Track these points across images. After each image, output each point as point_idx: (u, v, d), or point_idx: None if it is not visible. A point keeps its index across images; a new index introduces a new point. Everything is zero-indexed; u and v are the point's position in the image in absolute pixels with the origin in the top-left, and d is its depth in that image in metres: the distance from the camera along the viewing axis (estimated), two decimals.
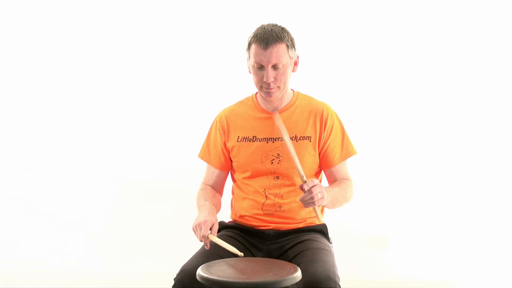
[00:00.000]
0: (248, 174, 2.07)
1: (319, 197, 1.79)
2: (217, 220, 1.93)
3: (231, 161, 2.14)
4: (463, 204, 3.11)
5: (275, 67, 1.96)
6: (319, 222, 2.10)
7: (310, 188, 1.77)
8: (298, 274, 1.61)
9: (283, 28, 2.01)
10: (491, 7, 3.08)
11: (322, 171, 2.15)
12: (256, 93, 2.14)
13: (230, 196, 2.20)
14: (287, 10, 3.11)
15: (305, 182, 1.78)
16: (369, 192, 3.09)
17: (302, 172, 1.81)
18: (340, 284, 1.77)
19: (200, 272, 1.63)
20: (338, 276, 1.78)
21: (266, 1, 3.16)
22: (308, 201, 1.79)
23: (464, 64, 3.11)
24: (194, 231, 1.87)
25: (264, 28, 1.98)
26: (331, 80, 3.13)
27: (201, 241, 1.86)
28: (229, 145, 2.11)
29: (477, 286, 3.08)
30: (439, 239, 3.13)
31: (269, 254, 2.01)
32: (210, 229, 1.86)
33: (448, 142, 3.12)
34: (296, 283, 1.65)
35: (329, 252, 1.92)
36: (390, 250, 3.15)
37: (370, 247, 3.15)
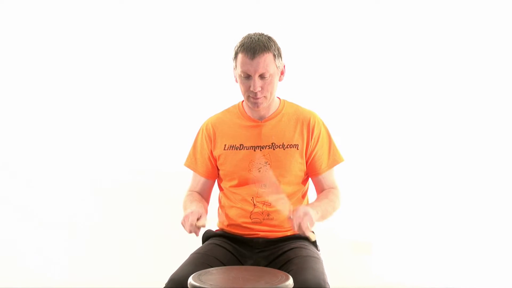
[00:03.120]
0: (235, 182, 2.07)
1: (308, 225, 1.83)
2: (205, 212, 1.95)
3: (218, 169, 2.14)
4: (447, 210, 3.14)
5: (262, 76, 1.97)
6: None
7: (299, 223, 1.82)
8: (290, 282, 1.62)
9: (269, 38, 2.01)
10: (479, 8, 3.13)
11: (310, 178, 2.16)
12: (243, 101, 2.15)
13: (217, 205, 2.20)
14: (273, 19, 3.12)
15: (290, 218, 1.83)
16: (353, 198, 3.10)
17: (286, 212, 1.86)
18: None
19: (192, 281, 1.62)
20: (328, 283, 1.79)
21: (252, 10, 3.17)
22: (300, 231, 1.84)
23: (451, 73, 3.15)
24: (183, 225, 1.89)
25: (250, 38, 1.99)
26: (314, 88, 3.15)
27: (190, 232, 1.87)
28: (215, 153, 2.11)
29: None
30: (423, 245, 3.16)
31: (258, 263, 2.00)
32: (198, 219, 1.88)
33: (430, 148, 3.16)
34: None
35: (318, 260, 1.93)
36: (374, 256, 3.17)
37: (354, 253, 3.17)
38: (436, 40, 3.15)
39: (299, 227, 1.81)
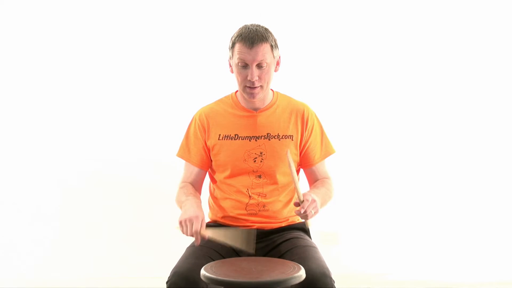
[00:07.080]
0: (228, 173, 2.06)
1: (313, 213, 1.83)
2: (204, 216, 1.87)
3: (211, 160, 2.11)
4: (411, 200, 3.23)
5: (259, 66, 1.97)
6: (299, 221, 2.14)
7: (305, 210, 1.80)
8: (302, 272, 1.63)
9: (266, 29, 2.02)
10: (476, 8, 3.20)
11: (301, 169, 2.18)
12: (236, 91, 2.14)
13: (207, 196, 2.18)
14: (265, 11, 3.08)
15: (302, 202, 1.80)
16: None
17: (300, 195, 1.82)
18: None
19: (206, 273, 1.59)
20: (330, 271, 1.81)
21: (246, 2, 3.12)
22: (303, 217, 1.84)
23: (440, 67, 3.20)
24: (182, 226, 1.80)
25: (248, 28, 1.99)
26: (302, 80, 3.15)
27: (192, 235, 1.79)
28: (209, 143, 2.09)
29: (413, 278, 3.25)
30: (389, 235, 3.24)
31: (254, 253, 2.00)
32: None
33: (399, 142, 3.21)
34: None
35: (317, 249, 1.96)
36: (341, 246, 3.24)
37: (322, 243, 3.22)
38: (425, 35, 3.18)
39: (304, 213, 1.80)
